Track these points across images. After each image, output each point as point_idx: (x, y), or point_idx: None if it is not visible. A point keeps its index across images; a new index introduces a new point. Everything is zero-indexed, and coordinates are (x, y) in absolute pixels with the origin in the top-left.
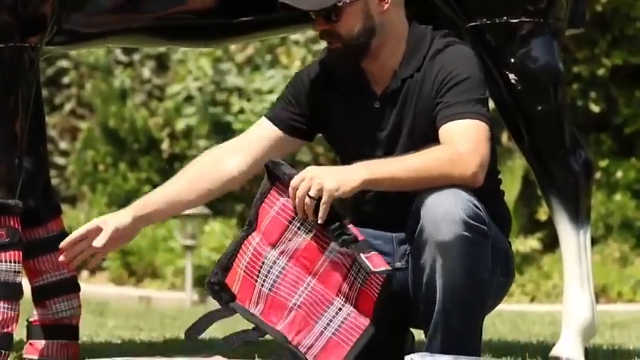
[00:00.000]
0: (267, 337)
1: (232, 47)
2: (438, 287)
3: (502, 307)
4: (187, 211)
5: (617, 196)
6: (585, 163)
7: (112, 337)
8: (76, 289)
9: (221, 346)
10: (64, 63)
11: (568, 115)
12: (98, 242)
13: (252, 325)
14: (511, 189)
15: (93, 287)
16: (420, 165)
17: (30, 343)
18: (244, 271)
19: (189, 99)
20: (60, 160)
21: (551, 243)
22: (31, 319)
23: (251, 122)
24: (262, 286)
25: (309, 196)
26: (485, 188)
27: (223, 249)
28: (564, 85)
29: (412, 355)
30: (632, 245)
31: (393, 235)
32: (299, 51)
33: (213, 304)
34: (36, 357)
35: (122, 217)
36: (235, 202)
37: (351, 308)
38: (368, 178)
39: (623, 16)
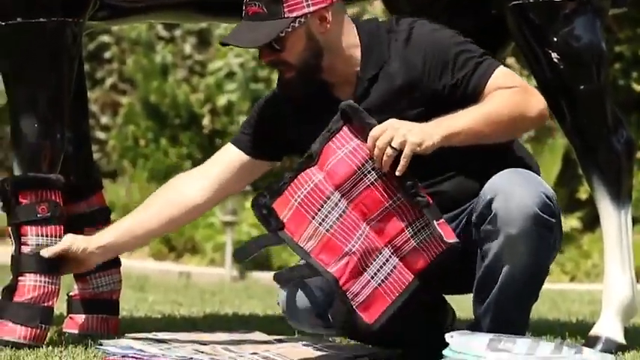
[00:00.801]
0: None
1: None
2: (500, 275)
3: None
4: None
5: None
6: (627, 143)
7: (152, 311)
8: (117, 264)
9: (240, 254)
10: (105, 38)
11: (610, 95)
12: (45, 252)
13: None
14: (551, 168)
15: (133, 262)
16: (492, 111)
17: (70, 317)
18: (299, 204)
19: (230, 75)
20: (101, 135)
21: (592, 222)
22: (71, 294)
23: None
24: (320, 225)
25: (391, 147)
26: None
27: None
28: (607, 64)
29: (452, 332)
30: None
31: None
32: None
33: (253, 281)
34: (76, 331)
35: (82, 241)
36: (276, 178)
37: (398, 261)
38: (447, 134)
39: None
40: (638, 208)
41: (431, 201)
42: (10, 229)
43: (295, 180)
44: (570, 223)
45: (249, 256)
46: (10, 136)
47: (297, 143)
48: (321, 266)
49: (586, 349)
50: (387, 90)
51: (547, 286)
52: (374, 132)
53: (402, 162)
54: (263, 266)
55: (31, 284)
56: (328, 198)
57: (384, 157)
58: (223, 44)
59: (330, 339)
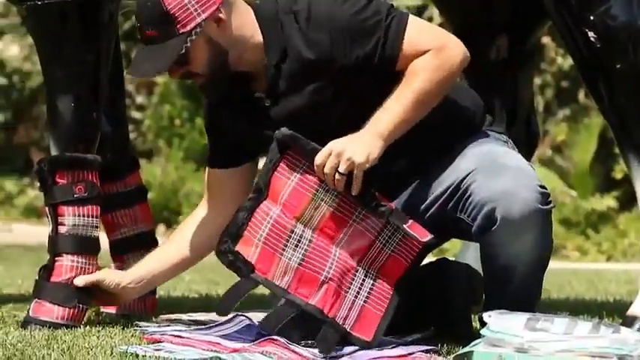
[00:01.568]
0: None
1: None
2: (506, 266)
3: (578, 265)
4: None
5: None
6: None
7: (189, 291)
8: (154, 243)
9: (223, 308)
10: None
11: None
12: (78, 281)
13: (237, 279)
14: (587, 147)
15: None
16: (418, 92)
17: None
18: (264, 243)
19: None
20: (136, 115)
21: (628, 201)
22: None
23: None
24: (290, 260)
25: (340, 173)
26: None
27: None
28: None
29: (490, 312)
30: None
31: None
32: None
33: None
34: (113, 311)
35: (116, 275)
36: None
37: (377, 273)
38: (386, 136)
39: None
40: None
41: (393, 206)
42: (47, 209)
43: (252, 218)
44: (606, 202)
45: (232, 308)
46: (47, 116)
47: (251, 138)
48: (302, 300)
49: (624, 329)
50: (296, 72)
51: (584, 265)
52: (318, 161)
53: (356, 184)
54: None
55: (68, 264)
56: (292, 232)
57: (335, 182)
58: (131, 74)
59: None
